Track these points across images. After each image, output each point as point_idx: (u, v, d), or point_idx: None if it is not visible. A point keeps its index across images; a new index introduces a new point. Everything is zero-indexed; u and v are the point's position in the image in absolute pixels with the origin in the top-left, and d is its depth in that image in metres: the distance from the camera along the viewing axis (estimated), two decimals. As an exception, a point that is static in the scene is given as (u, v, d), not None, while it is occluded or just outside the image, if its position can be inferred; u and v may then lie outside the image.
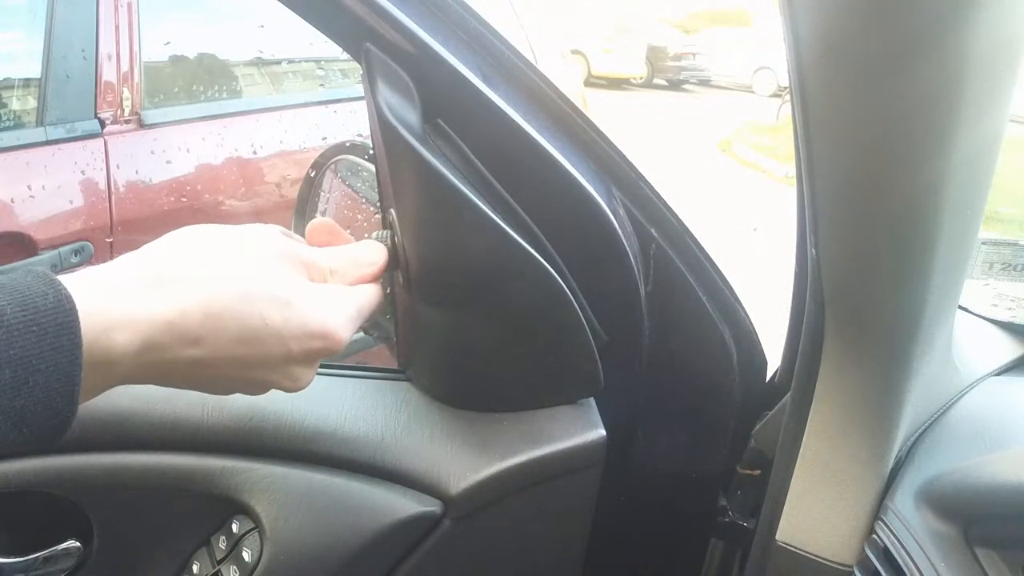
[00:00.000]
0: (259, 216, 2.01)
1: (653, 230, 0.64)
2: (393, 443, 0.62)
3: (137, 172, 1.82)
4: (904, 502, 0.55)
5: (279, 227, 0.49)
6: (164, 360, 0.40)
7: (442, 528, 0.62)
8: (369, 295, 0.51)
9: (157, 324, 0.39)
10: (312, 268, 0.48)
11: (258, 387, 0.46)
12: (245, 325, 0.42)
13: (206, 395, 0.62)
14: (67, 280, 0.37)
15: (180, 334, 0.40)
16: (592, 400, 0.65)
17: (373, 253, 0.53)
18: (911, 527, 0.53)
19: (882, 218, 0.46)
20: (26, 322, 0.34)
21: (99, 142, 1.76)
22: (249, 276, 0.43)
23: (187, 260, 0.42)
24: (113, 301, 0.38)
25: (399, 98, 0.53)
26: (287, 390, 0.47)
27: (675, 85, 16.10)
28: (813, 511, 0.59)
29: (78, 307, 0.36)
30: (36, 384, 0.34)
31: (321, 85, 2.31)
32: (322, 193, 0.93)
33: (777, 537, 0.61)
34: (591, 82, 13.45)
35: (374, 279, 0.52)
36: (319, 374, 0.67)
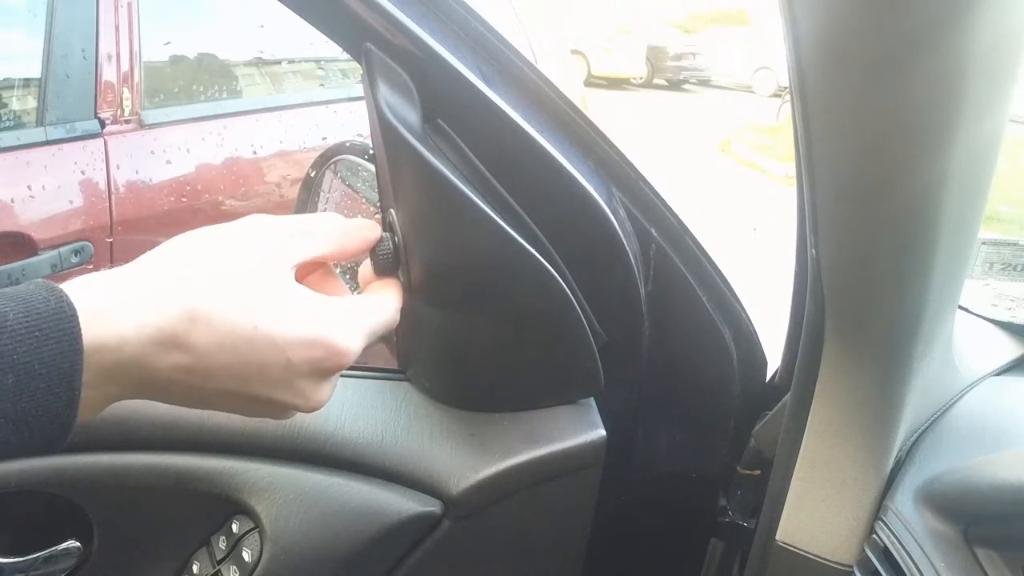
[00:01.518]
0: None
1: (653, 230, 0.64)
2: (393, 443, 0.62)
3: (137, 172, 1.82)
4: (904, 502, 0.55)
5: (282, 219, 0.47)
6: (155, 370, 0.39)
7: (442, 528, 0.62)
8: (380, 307, 0.49)
9: (145, 331, 0.38)
10: (314, 265, 0.47)
11: (265, 406, 0.44)
12: (234, 331, 0.40)
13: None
14: (66, 287, 0.37)
15: (165, 340, 0.39)
16: (592, 400, 0.65)
17: (364, 227, 0.51)
18: (911, 527, 0.53)
19: (882, 218, 0.46)
20: (28, 327, 0.34)
21: (99, 142, 1.76)
22: (240, 280, 0.41)
23: (176, 267, 0.41)
24: (105, 307, 0.37)
25: (399, 98, 0.53)
26: (300, 409, 0.45)
27: (675, 85, 16.10)
28: (813, 511, 0.59)
29: (78, 312, 0.36)
30: (38, 388, 0.34)
31: (321, 85, 2.31)
32: (322, 193, 0.93)
33: (777, 537, 0.61)
34: (591, 82, 13.45)
35: (361, 250, 0.51)
36: None
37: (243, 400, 0.43)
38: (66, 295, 0.36)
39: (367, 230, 0.51)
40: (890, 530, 0.54)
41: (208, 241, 0.43)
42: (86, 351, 0.36)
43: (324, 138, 2.09)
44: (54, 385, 0.35)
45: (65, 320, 0.35)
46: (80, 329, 0.35)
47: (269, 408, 0.44)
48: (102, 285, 0.39)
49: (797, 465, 0.59)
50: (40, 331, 0.34)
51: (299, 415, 0.62)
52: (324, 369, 0.44)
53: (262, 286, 0.42)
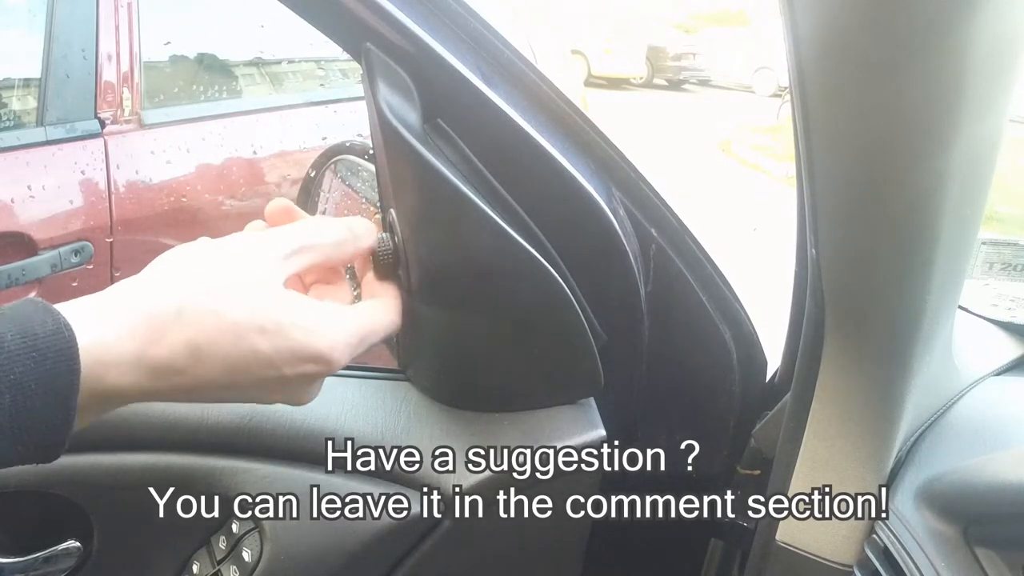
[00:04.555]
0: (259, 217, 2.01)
1: (653, 230, 0.64)
2: (393, 443, 0.62)
3: (137, 172, 1.82)
4: (904, 502, 0.55)
5: (276, 232, 0.49)
6: (154, 389, 0.41)
7: (442, 528, 0.62)
8: (374, 316, 0.51)
9: (144, 362, 0.40)
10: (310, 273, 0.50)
11: (255, 400, 0.47)
12: (233, 355, 0.42)
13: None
14: (63, 309, 0.38)
15: (167, 368, 0.41)
16: (592, 400, 0.65)
17: (358, 234, 0.52)
18: (911, 527, 0.53)
19: (882, 218, 0.46)
20: (25, 348, 0.35)
21: (99, 142, 1.76)
22: (238, 305, 0.43)
23: (174, 293, 0.42)
24: (104, 337, 0.39)
25: (399, 98, 0.53)
26: (289, 404, 0.48)
27: (675, 85, 16.09)
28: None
29: (76, 336, 0.36)
30: (34, 407, 0.35)
31: (321, 85, 2.31)
32: (322, 193, 0.94)
33: (777, 537, 0.61)
34: (591, 82, 13.43)
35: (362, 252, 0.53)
36: None
37: (236, 398, 0.46)
38: (62, 317, 0.37)
39: (362, 237, 0.52)
40: (890, 530, 0.54)
41: (202, 260, 0.45)
42: (83, 376, 0.36)
43: (324, 138, 2.09)
44: (51, 404, 0.35)
45: (63, 341, 0.36)
46: (78, 349, 0.36)
47: (258, 401, 0.48)
48: (99, 310, 0.40)
49: (797, 465, 0.59)
50: (38, 351, 0.35)
51: (299, 413, 0.63)
52: (313, 377, 0.47)
53: (259, 308, 0.43)
